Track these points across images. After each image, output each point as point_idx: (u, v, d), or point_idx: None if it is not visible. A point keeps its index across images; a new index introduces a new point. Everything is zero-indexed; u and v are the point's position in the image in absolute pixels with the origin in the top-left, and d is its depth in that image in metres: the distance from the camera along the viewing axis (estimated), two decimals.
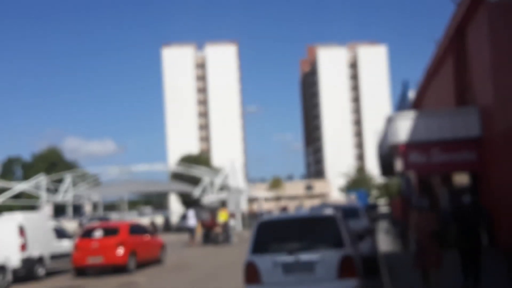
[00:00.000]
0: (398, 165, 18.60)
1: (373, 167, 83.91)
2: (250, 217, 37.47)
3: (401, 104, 34.85)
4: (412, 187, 20.97)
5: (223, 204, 29.90)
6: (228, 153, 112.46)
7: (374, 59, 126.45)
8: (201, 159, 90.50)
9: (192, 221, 28.35)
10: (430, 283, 9.41)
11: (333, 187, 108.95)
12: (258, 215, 40.25)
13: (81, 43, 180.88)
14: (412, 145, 17.78)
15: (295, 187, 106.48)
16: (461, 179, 20.61)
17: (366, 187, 78.60)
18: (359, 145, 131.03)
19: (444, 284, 10.01)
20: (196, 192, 50.16)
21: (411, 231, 9.68)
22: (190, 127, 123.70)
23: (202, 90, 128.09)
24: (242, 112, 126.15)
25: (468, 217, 9.61)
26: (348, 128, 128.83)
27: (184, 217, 47.34)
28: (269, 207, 77.29)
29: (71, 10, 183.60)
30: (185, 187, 58.44)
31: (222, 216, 27.99)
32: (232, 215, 32.90)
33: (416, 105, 30.84)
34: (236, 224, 37.84)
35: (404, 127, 17.97)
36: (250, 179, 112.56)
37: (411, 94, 32.42)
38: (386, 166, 27.16)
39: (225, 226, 27.90)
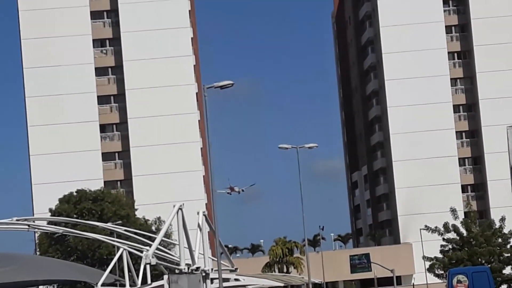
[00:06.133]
0: None
1: (505, 210, 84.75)
2: None
3: None
4: None
5: None
6: (174, 188, 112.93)
7: None
8: (109, 201, 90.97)
9: None
10: None
11: (416, 261, 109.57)
12: None
13: None
14: None
15: (329, 263, 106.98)
16: None
17: (491, 259, 78.72)
18: (474, 161, 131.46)
19: None
20: (100, 280, 50.81)
21: None
22: (84, 136, 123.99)
23: (110, 54, 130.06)
24: (201, 97, 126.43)
25: None
26: (447, 123, 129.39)
27: None
28: None
29: None
30: (72, 272, 58.95)
31: None
32: None
33: None
34: None
35: None
36: (226, 247, 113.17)
37: None
38: None
39: None
